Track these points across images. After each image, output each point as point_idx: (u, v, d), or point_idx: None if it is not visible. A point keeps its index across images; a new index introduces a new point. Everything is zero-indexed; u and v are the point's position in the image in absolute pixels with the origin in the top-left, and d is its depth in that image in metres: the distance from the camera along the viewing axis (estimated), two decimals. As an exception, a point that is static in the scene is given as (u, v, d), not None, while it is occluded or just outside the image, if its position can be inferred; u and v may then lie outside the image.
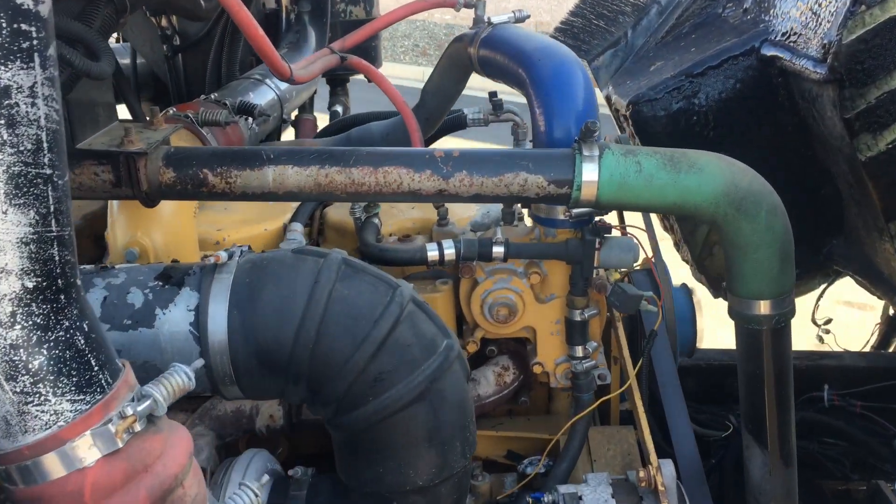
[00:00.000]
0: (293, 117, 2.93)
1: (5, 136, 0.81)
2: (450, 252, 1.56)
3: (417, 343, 1.33)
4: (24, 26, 0.79)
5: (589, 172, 1.34)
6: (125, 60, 2.76)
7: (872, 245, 2.39)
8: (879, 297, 2.61)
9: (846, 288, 3.00)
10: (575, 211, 1.53)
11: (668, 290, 1.86)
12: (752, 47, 2.18)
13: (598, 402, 1.63)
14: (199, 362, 1.06)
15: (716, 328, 2.62)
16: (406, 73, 10.07)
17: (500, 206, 1.76)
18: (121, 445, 0.92)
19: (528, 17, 1.92)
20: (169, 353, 1.30)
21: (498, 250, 1.56)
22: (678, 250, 2.90)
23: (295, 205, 1.90)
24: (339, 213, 1.91)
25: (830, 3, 1.98)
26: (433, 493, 1.36)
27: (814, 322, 3.04)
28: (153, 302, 1.32)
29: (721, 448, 2.69)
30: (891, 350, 3.24)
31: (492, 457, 1.85)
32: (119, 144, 1.31)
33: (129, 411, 0.93)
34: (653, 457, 1.45)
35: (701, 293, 2.70)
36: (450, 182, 1.35)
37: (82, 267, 1.40)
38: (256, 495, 1.04)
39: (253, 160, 1.35)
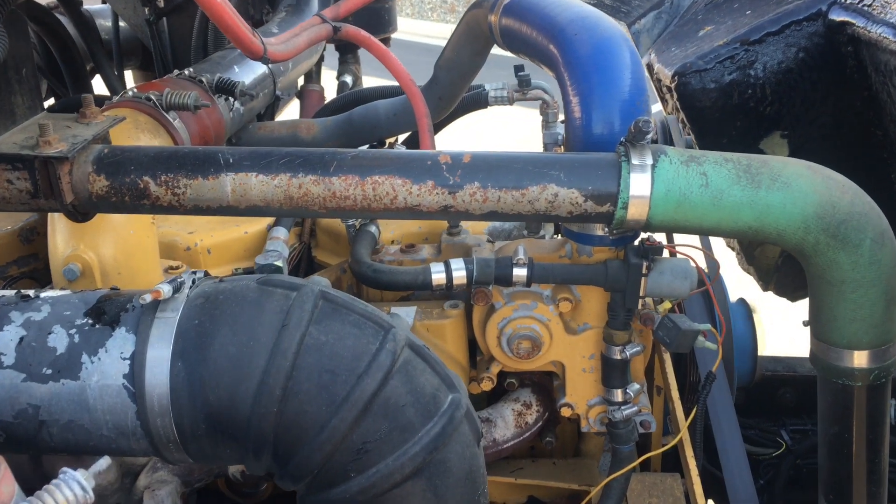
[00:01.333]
0: (299, 87, 2.63)
1: None
2: (460, 275, 1.26)
3: (414, 402, 1.03)
4: None
5: (639, 186, 1.02)
6: (107, 22, 2.48)
7: None
8: None
9: None
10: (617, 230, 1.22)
11: (728, 321, 1.54)
12: (818, 11, 1.91)
13: (641, 460, 1.34)
14: (104, 463, 0.78)
15: (766, 330, 2.32)
16: (432, 31, 9.66)
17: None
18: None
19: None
20: (98, 412, 1.03)
21: (519, 273, 1.25)
22: (739, 263, 2.60)
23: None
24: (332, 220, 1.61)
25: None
26: (433, 586, 1.09)
27: None
28: (80, 346, 1.04)
29: (771, 467, 2.41)
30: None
31: None
32: (34, 146, 1.02)
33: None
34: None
35: (755, 296, 2.38)
36: (457, 196, 1.05)
37: (1, 294, 1.13)
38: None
39: (207, 166, 1.05)
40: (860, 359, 1.09)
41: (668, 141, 1.88)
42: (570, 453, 1.61)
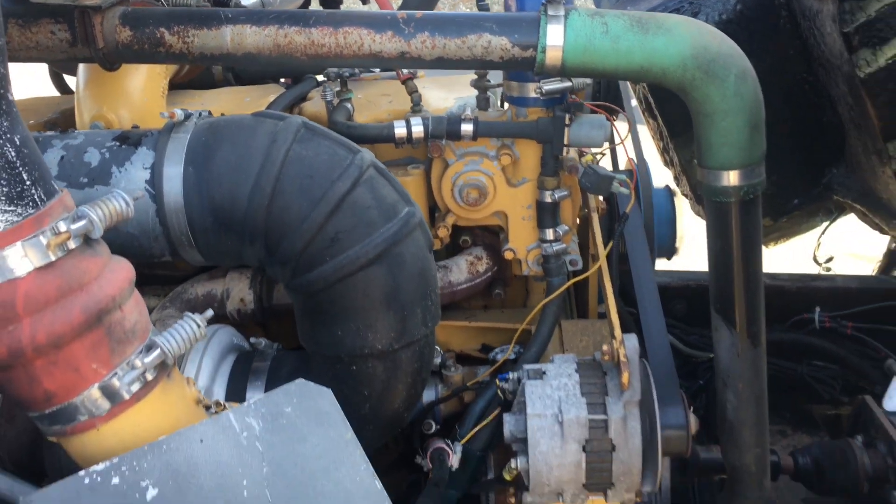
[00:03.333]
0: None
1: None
2: (418, 129, 1.54)
3: (376, 206, 1.31)
4: None
5: (554, 34, 1.30)
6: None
7: (872, 170, 2.35)
8: (879, 228, 2.57)
9: (854, 241, 2.96)
10: (546, 88, 1.51)
11: (649, 184, 1.82)
12: None
13: (569, 283, 1.62)
14: (140, 193, 1.05)
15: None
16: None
17: (476, 95, 1.72)
18: (53, 259, 0.92)
19: None
20: (125, 212, 1.29)
21: (467, 128, 1.53)
22: (678, 184, 2.87)
23: (271, 98, 1.88)
24: (315, 105, 1.88)
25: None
26: (393, 358, 1.36)
27: (815, 261, 3.01)
28: (110, 161, 1.31)
29: (709, 370, 2.68)
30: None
31: (465, 350, 1.84)
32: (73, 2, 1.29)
33: (63, 228, 0.93)
34: (617, 331, 1.43)
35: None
36: (412, 44, 1.32)
37: (45, 134, 1.40)
38: (199, 325, 1.04)
39: (210, 20, 1.32)
40: (732, 178, 1.37)
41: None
42: (519, 306, 1.88)
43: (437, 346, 1.70)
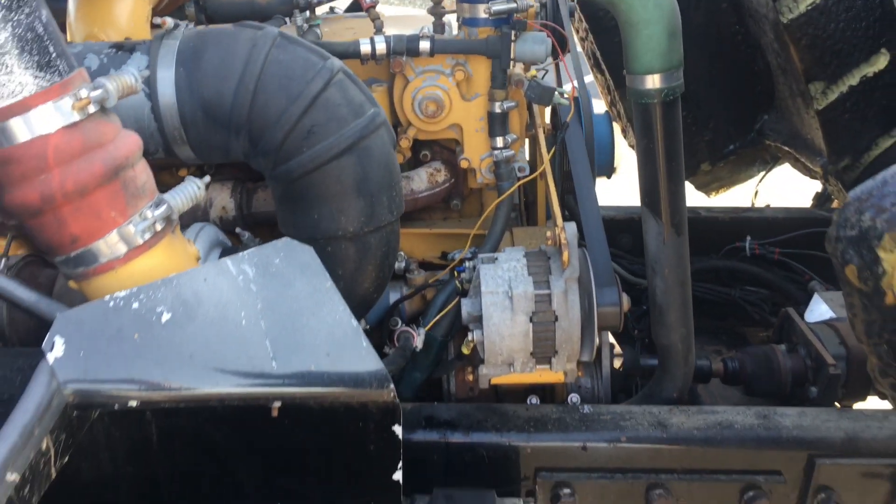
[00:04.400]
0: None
1: None
2: (381, 46, 1.73)
3: (346, 105, 1.50)
4: None
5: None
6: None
7: (797, 112, 2.57)
8: (808, 172, 2.79)
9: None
10: (494, 8, 1.71)
11: (588, 102, 2.03)
12: None
13: (518, 184, 1.83)
14: (147, 72, 1.22)
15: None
16: None
17: (433, 22, 1.91)
18: (77, 119, 1.09)
19: None
20: (122, 109, 1.46)
21: (424, 45, 1.72)
22: (625, 137, 3.08)
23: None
24: (287, 31, 2.05)
25: None
26: (363, 241, 1.55)
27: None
28: (108, 65, 1.47)
29: (652, 295, 2.89)
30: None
31: (427, 258, 2.04)
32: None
33: (84, 94, 1.10)
34: (559, 219, 1.65)
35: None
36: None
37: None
38: (199, 187, 1.22)
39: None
40: (654, 81, 1.58)
41: (556, 9, 2.31)
42: (475, 216, 2.09)
43: (401, 252, 1.90)
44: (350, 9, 2.48)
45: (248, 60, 1.45)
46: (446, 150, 1.97)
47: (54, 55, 1.09)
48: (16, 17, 1.04)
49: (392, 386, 1.17)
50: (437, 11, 1.84)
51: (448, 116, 1.83)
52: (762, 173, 3.21)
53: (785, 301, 2.91)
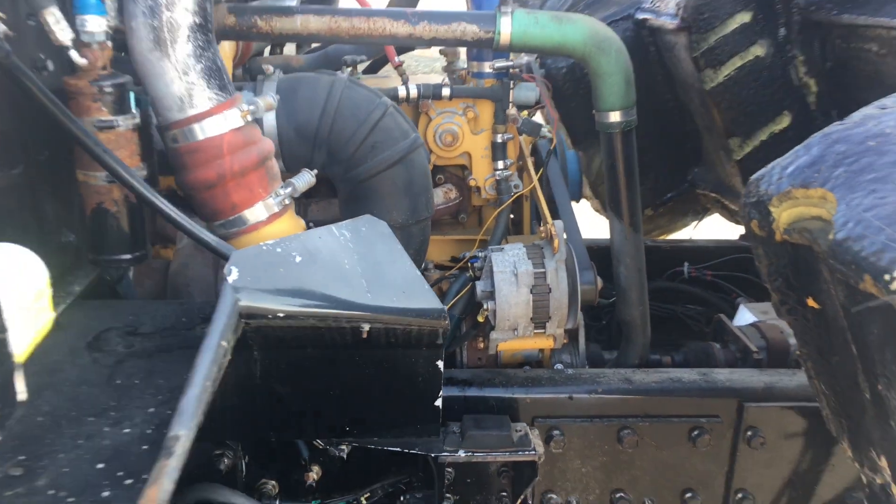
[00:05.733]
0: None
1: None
2: (413, 91, 2.31)
3: (397, 129, 2.05)
4: None
5: (505, 24, 2.10)
6: None
7: (721, 164, 3.09)
8: (732, 217, 3.35)
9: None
10: (497, 65, 2.30)
11: (562, 142, 2.63)
12: (629, 14, 2.84)
13: (514, 197, 2.39)
14: (277, 96, 1.76)
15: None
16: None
17: (447, 75, 2.50)
18: (241, 124, 1.61)
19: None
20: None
21: (446, 91, 2.31)
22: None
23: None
24: (325, 89, 2.62)
25: (677, -24, 2.76)
26: (408, 231, 2.08)
27: None
28: (223, 98, 2.00)
29: (610, 312, 3.43)
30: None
31: (440, 262, 2.57)
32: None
33: (244, 107, 1.63)
34: (548, 217, 2.21)
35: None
36: (417, 28, 2.10)
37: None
38: (312, 177, 1.74)
39: (287, 11, 2.06)
40: (616, 116, 2.18)
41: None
42: (475, 227, 2.64)
43: (421, 254, 2.43)
44: (367, 70, 3.08)
45: (328, 96, 1.99)
46: (456, 175, 2.54)
47: (225, 81, 1.62)
48: (206, 55, 1.58)
49: (447, 317, 1.67)
50: (451, 69, 2.43)
51: (461, 146, 2.40)
52: (695, 222, 3.82)
53: (717, 314, 3.50)
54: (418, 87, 2.30)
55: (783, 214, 1.49)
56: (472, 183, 2.44)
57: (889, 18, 2.26)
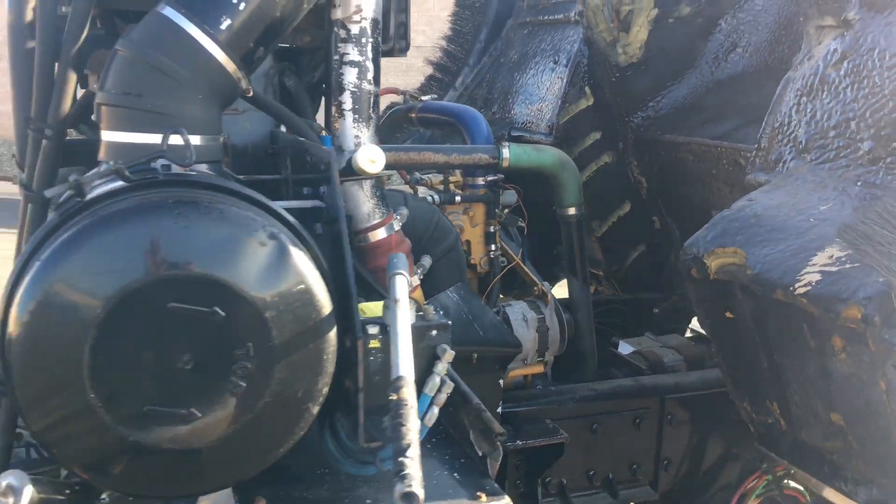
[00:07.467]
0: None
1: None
2: (436, 198, 3.26)
3: (441, 227, 2.99)
4: None
5: (505, 153, 3.15)
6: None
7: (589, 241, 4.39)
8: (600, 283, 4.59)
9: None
10: (489, 179, 3.34)
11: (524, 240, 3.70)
12: (503, 133, 3.69)
13: (504, 272, 3.40)
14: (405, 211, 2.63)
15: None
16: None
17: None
18: (397, 229, 2.49)
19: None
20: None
21: (457, 198, 3.30)
22: None
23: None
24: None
25: (546, 104, 3.95)
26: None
27: None
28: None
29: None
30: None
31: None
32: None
33: (398, 217, 2.51)
34: (537, 281, 3.24)
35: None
36: (450, 157, 3.08)
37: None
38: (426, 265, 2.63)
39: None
40: (572, 210, 3.31)
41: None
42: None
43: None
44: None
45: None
46: (453, 257, 3.50)
47: (383, 199, 2.49)
48: (372, 182, 2.45)
49: (520, 345, 2.63)
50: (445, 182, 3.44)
51: (463, 235, 3.38)
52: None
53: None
54: (439, 194, 3.27)
55: (713, 263, 2.61)
56: (472, 261, 3.42)
57: (700, 137, 3.57)
